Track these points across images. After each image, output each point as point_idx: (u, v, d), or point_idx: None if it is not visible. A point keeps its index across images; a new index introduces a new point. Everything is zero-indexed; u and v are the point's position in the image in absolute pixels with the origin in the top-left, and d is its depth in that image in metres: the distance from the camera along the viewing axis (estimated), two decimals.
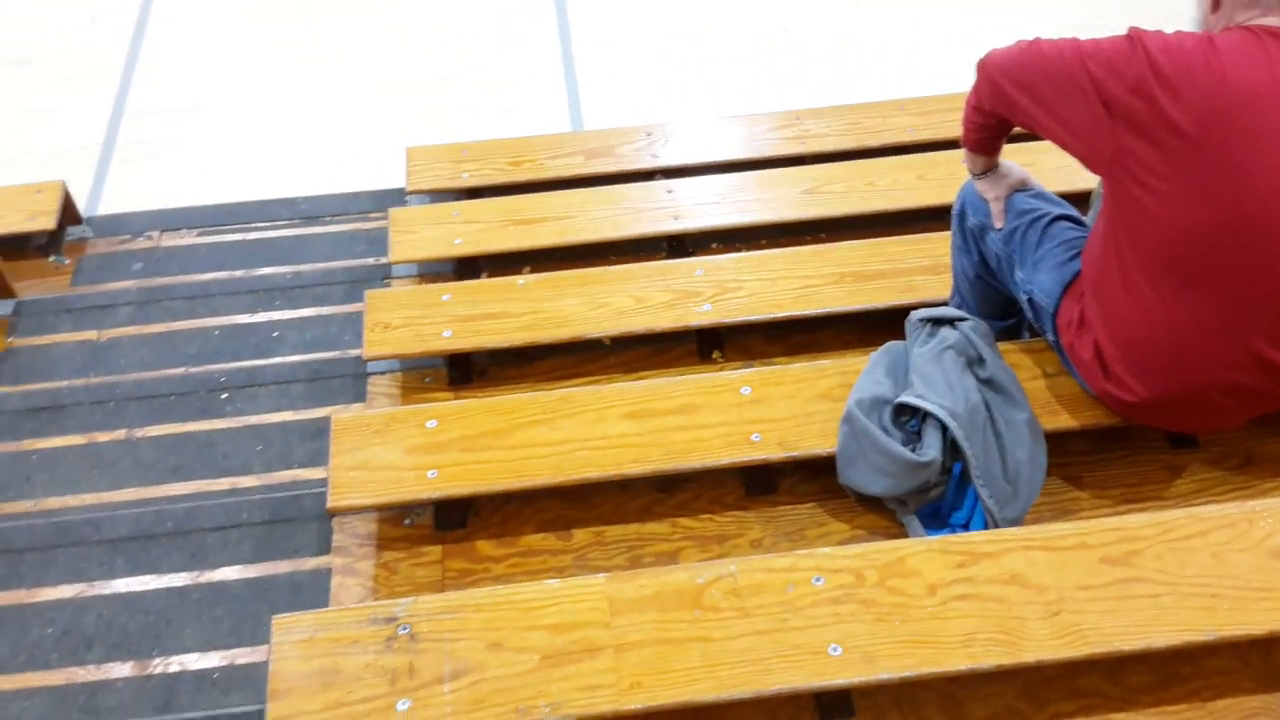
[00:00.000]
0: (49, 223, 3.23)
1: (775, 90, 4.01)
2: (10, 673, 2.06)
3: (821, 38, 4.27)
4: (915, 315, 2.24)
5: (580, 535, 2.21)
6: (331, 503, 2.11)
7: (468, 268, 3.00)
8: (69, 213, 3.33)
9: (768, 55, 4.22)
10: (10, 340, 2.91)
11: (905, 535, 2.10)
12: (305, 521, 2.26)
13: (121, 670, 2.05)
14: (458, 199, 3.26)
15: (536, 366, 2.65)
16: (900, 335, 2.32)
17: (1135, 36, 1.77)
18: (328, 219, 3.41)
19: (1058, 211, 2.18)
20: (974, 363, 2.13)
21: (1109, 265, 1.91)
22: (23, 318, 2.97)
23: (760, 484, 2.24)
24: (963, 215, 2.31)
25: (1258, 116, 1.71)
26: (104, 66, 4.22)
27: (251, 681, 2.02)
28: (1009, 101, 1.96)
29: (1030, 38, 1.94)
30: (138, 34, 4.38)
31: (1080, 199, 2.50)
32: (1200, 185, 1.74)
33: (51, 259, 3.27)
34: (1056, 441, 2.14)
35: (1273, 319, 1.85)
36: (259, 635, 2.08)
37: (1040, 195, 2.23)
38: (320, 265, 3.17)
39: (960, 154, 3.03)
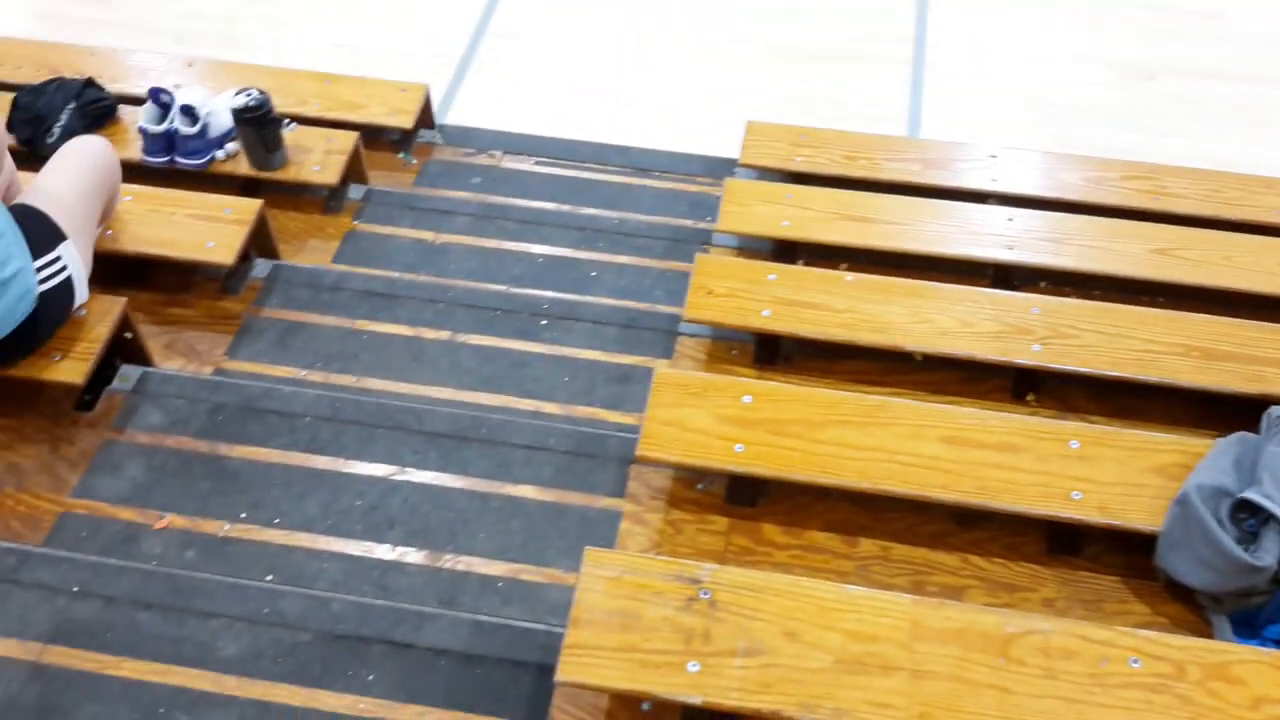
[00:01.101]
0: (407, 121, 3.42)
1: (1126, 139, 3.81)
2: (316, 533, 2.21)
3: (1187, 95, 4.02)
4: (1275, 410, 2.10)
5: (867, 545, 2.19)
6: (641, 451, 2.16)
7: (787, 251, 3.00)
8: (425, 116, 3.52)
9: (1125, 101, 4.02)
10: (356, 224, 3.11)
11: (1211, 634, 1.99)
12: (605, 460, 2.31)
13: (415, 556, 2.17)
14: (785, 180, 3.26)
15: (841, 365, 2.63)
16: (1236, 425, 2.19)
17: None
18: (657, 174, 3.47)
19: None
20: None
21: None
22: (370, 205, 3.17)
23: (1064, 543, 2.16)
24: None
25: None
26: None
27: (530, 599, 2.10)
28: None
29: None
30: None
31: None
32: None
33: (401, 156, 3.47)
34: None
35: None
36: (546, 557, 2.16)
37: None
38: (644, 217, 3.24)
39: None
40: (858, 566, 2.15)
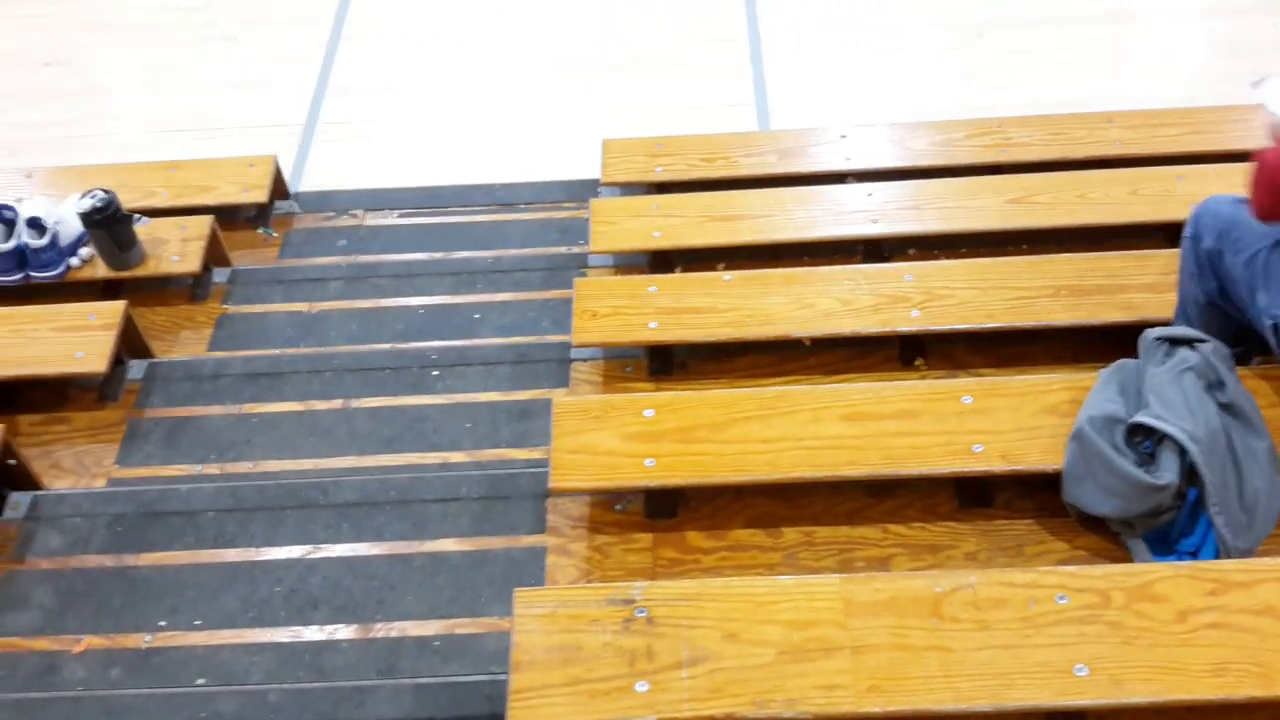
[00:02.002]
0: (261, 196, 3.36)
1: (966, 97, 3.94)
2: (240, 627, 2.15)
3: (1017, 46, 4.18)
4: (1151, 334, 2.19)
5: (789, 534, 2.22)
6: (554, 483, 2.16)
7: (663, 261, 3.03)
8: (279, 187, 3.47)
9: (959, 61, 4.16)
10: (226, 307, 3.04)
11: (1129, 558, 2.06)
12: (520, 500, 2.30)
13: (346, 632, 2.12)
14: (649, 192, 3.30)
15: (736, 362, 2.67)
16: (1114, 354, 2.27)
17: None
18: (522, 207, 3.48)
19: None
20: (1214, 386, 2.07)
21: None
22: (237, 286, 3.10)
23: (975, 496, 2.22)
24: (1196, 239, 2.24)
25: None
26: (309, 44, 4.37)
27: (470, 652, 2.07)
28: None
29: None
30: (340, 14, 4.53)
31: None
32: None
33: (261, 231, 3.40)
34: None
35: None
36: (478, 607, 2.14)
37: None
38: (517, 251, 3.24)
39: (1175, 170, 2.98)
40: (785, 556, 2.18)
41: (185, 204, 3.29)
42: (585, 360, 2.72)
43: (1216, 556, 1.98)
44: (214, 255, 3.13)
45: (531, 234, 3.37)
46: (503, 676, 1.76)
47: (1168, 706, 1.66)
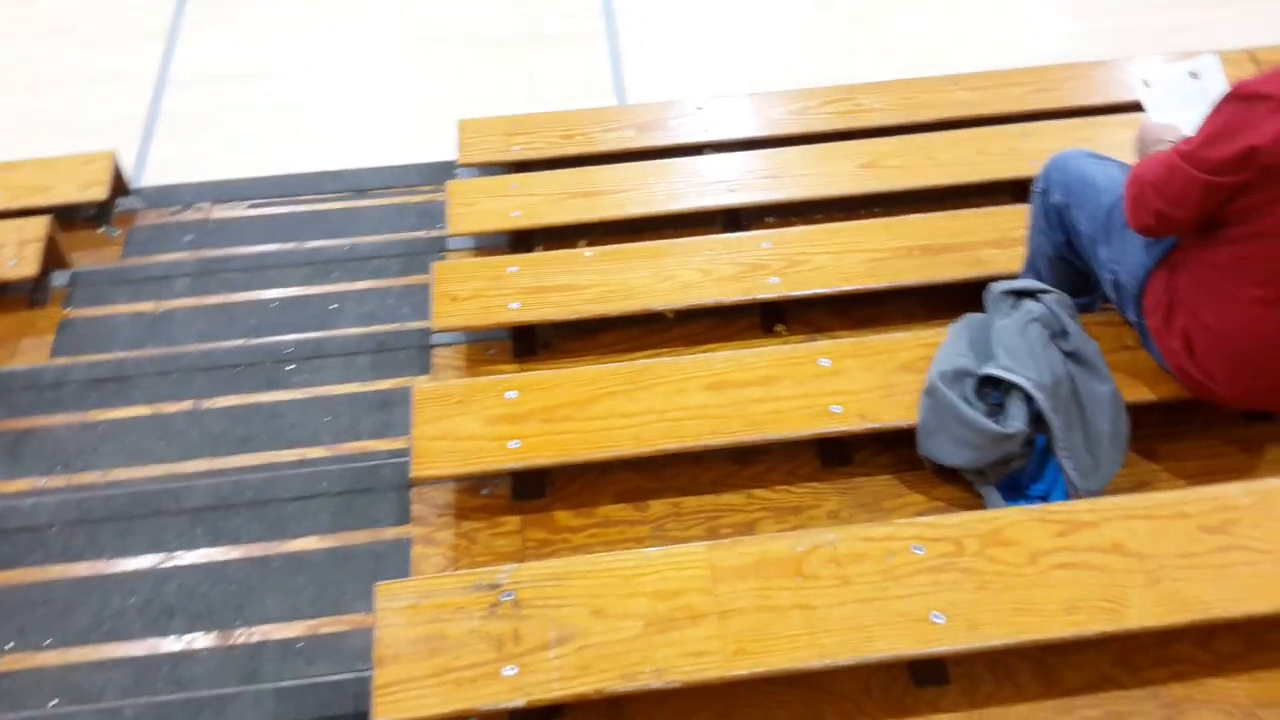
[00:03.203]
0: (100, 193, 3.21)
1: (818, 65, 3.99)
2: (93, 644, 2.06)
3: (865, 13, 4.24)
4: (997, 287, 2.24)
5: (657, 506, 2.22)
6: (415, 472, 2.11)
7: (523, 241, 2.99)
8: (119, 183, 3.32)
9: (809, 30, 4.20)
10: (67, 311, 2.90)
11: (983, 506, 2.11)
12: (383, 491, 2.25)
13: (205, 640, 2.05)
14: (507, 172, 3.25)
15: (600, 339, 2.65)
16: (965, 309, 2.32)
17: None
18: (377, 192, 3.40)
19: None
20: (1058, 335, 2.13)
21: (1219, 276, 1.90)
22: (79, 289, 2.96)
23: (835, 456, 2.25)
24: (1045, 193, 2.30)
25: None
26: (148, 34, 4.19)
27: (335, 651, 2.02)
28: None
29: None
30: (180, 2, 4.35)
31: None
32: None
33: (102, 230, 3.26)
34: (1133, 414, 2.14)
35: None
36: (341, 605, 2.08)
37: (1127, 171, 2.22)
38: (373, 238, 3.16)
39: (1020, 128, 3.06)
40: (652, 529, 2.17)
41: (21, 205, 3.12)
42: (447, 345, 2.67)
43: (1066, 499, 2.04)
44: (53, 258, 2.98)
45: (389, 219, 3.30)
46: (369, 673, 1.71)
47: (1023, 647, 1.70)
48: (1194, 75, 2.19)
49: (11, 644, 2.06)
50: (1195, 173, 1.84)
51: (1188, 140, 1.89)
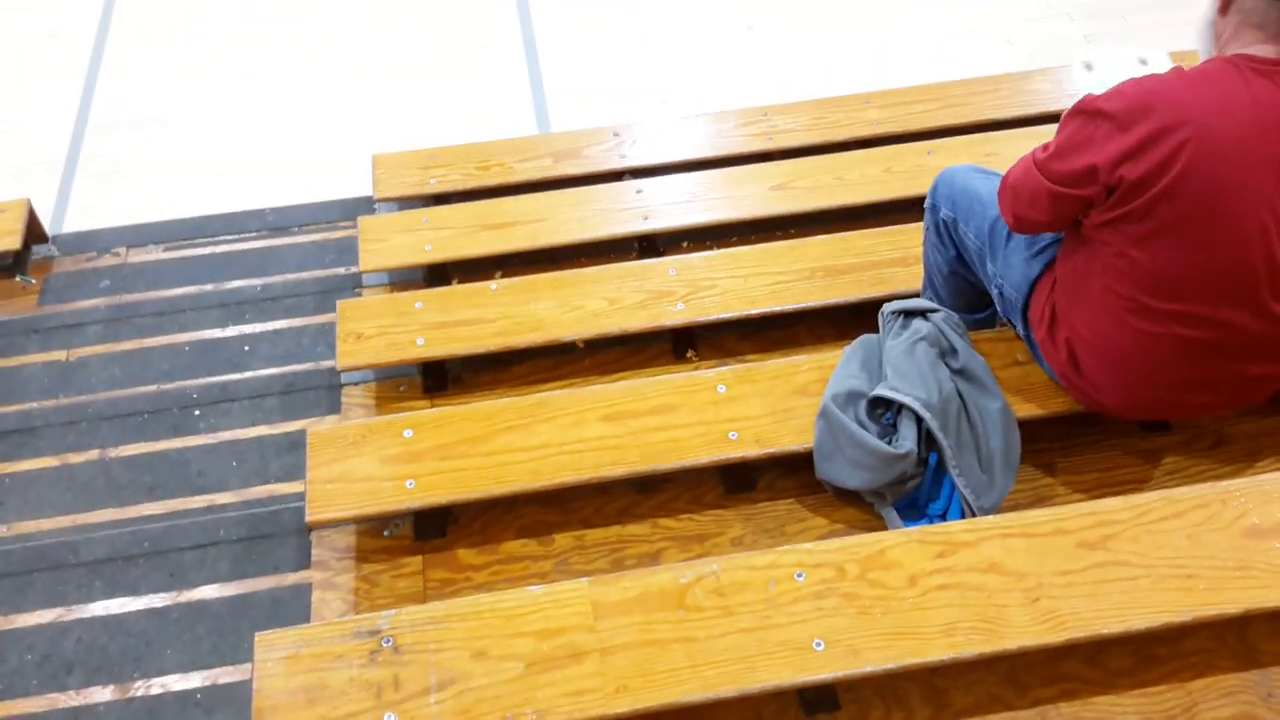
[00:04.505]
0: (14, 243, 3.19)
1: (742, 88, 4.01)
2: None
3: (786, 35, 4.27)
4: (887, 308, 2.25)
5: (561, 540, 2.21)
6: (310, 516, 2.10)
7: (439, 274, 2.99)
8: (34, 231, 3.30)
9: (733, 53, 4.23)
10: None
11: (885, 528, 2.11)
12: (284, 537, 2.24)
13: (103, 694, 2.03)
14: (426, 205, 3.25)
15: (512, 371, 2.65)
16: (873, 328, 2.33)
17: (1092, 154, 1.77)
18: (296, 229, 3.39)
19: None
20: (946, 353, 2.15)
21: (1088, 285, 1.91)
22: None
23: (739, 482, 2.25)
24: (935, 209, 2.32)
25: (1241, 159, 1.70)
26: (64, 80, 4.18)
27: (235, 701, 2.01)
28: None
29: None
30: (98, 46, 4.34)
31: None
32: (1187, 236, 1.75)
33: (17, 279, 3.23)
34: (1028, 428, 2.15)
35: (1256, 344, 1.87)
36: (241, 654, 2.07)
37: None
38: (290, 276, 3.16)
39: (926, 145, 3.09)
40: (556, 564, 2.17)
41: None
42: (357, 384, 2.66)
43: (963, 516, 2.05)
44: None
45: (307, 257, 3.29)
46: None
47: (905, 671, 1.70)
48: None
49: None
50: (1044, 181, 1.86)
51: (1044, 146, 1.90)
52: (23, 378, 2.83)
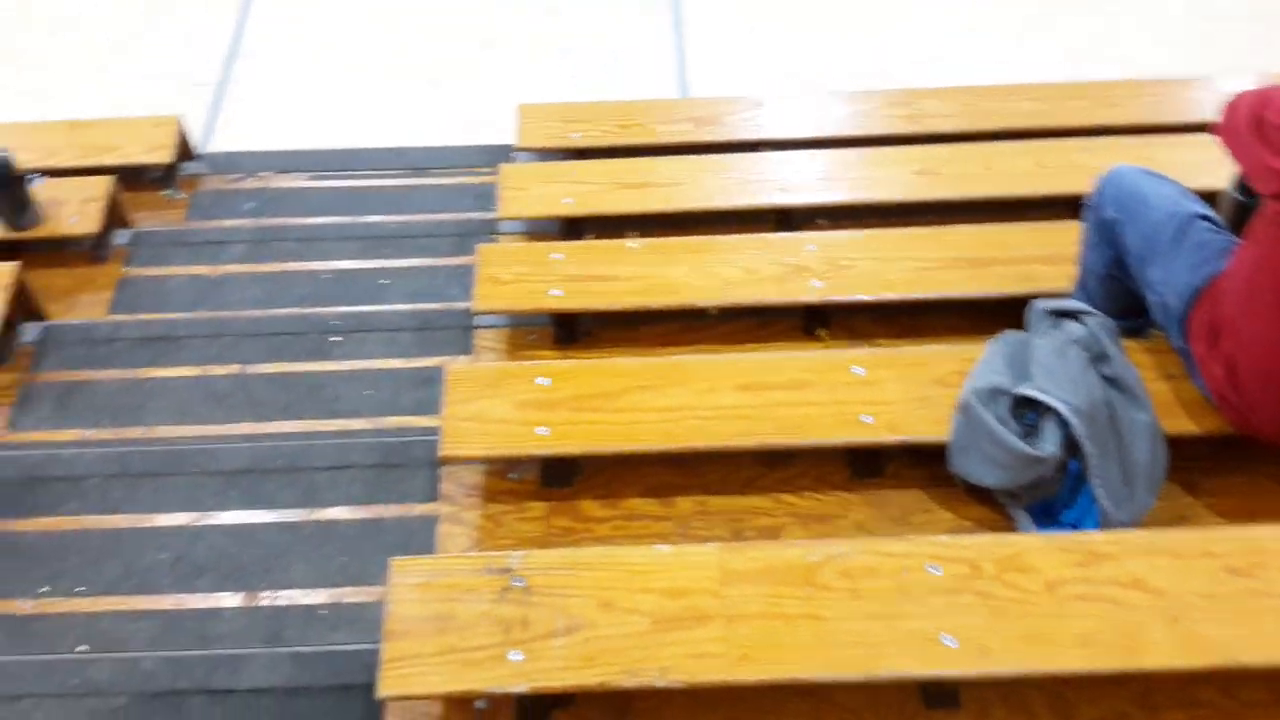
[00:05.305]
0: (165, 156, 3.29)
1: (886, 70, 3.95)
2: (123, 594, 2.12)
3: (937, 20, 4.19)
4: (1039, 306, 2.21)
5: (683, 503, 2.22)
6: (444, 451, 2.14)
7: (573, 228, 3.01)
8: (184, 148, 3.39)
9: (879, 34, 4.16)
10: (127, 270, 2.98)
11: (1013, 529, 2.08)
12: (414, 467, 2.28)
13: (231, 600, 2.10)
14: (565, 159, 3.27)
15: (640, 331, 2.66)
16: (1013, 325, 2.29)
17: None
18: (436, 171, 3.43)
19: (1197, 210, 2.12)
20: (1098, 359, 2.10)
21: (1263, 294, 1.85)
22: (139, 248, 3.04)
23: (866, 466, 2.23)
24: (1099, 208, 2.26)
25: None
26: (222, 4, 4.27)
27: (358, 620, 2.06)
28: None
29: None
30: None
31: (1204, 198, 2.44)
32: None
33: (166, 193, 3.33)
34: (1174, 445, 2.09)
35: None
36: (366, 575, 2.12)
37: (1183, 192, 2.17)
38: (428, 216, 3.20)
39: (1080, 143, 3.00)
40: (677, 525, 2.18)
41: (87, 164, 3.20)
42: (489, 328, 2.70)
43: (1098, 528, 2.01)
44: (115, 217, 3.06)
45: (445, 199, 3.33)
46: None
47: (1033, 678, 1.68)
48: None
49: (46, 588, 2.13)
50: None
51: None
52: (168, 288, 2.92)
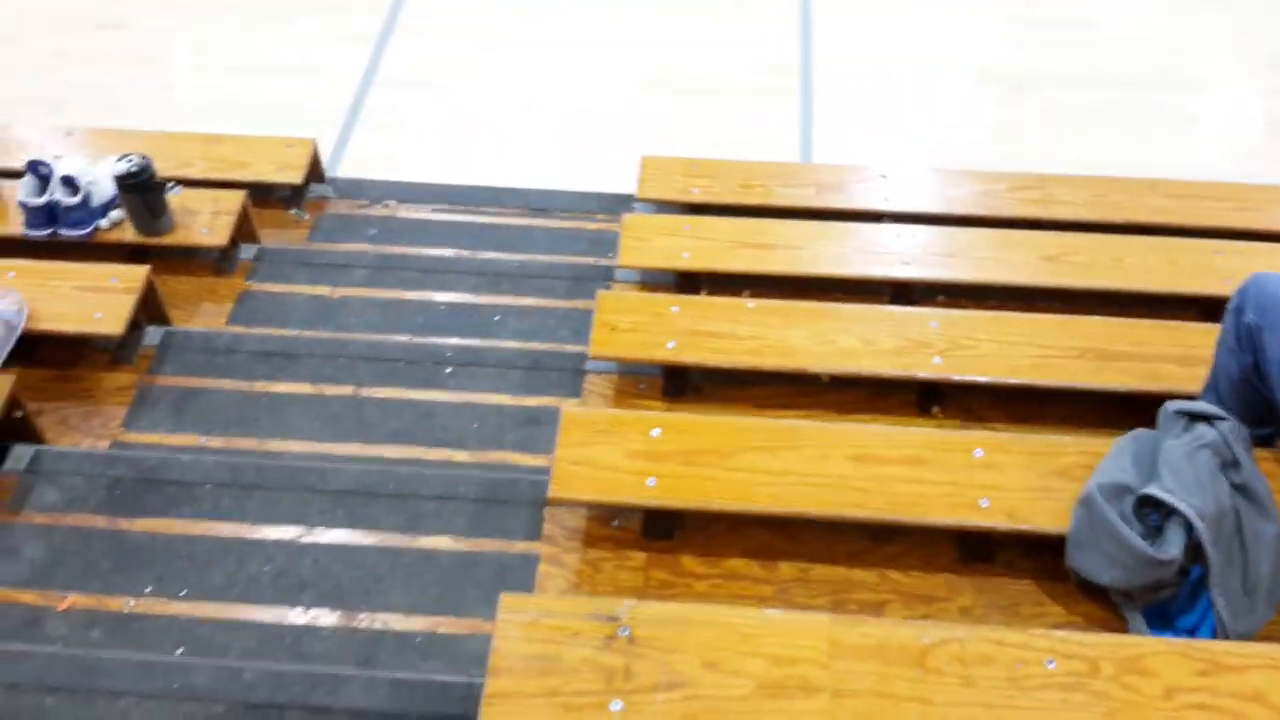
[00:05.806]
0: (296, 177, 3.38)
1: (1009, 151, 3.92)
2: (225, 602, 2.14)
3: (1063, 104, 4.16)
4: (1171, 406, 2.15)
5: (785, 568, 2.19)
6: (553, 492, 2.14)
7: (690, 282, 3.02)
8: (314, 170, 3.48)
9: (1004, 114, 4.14)
10: (249, 284, 3.05)
11: (1125, 629, 2.02)
12: (517, 505, 2.29)
13: (329, 619, 2.11)
14: (682, 213, 3.29)
15: (751, 391, 2.64)
16: (1134, 423, 2.24)
17: None
18: (555, 214, 3.47)
19: None
20: (1229, 465, 2.04)
21: None
22: (263, 264, 3.11)
23: (976, 551, 2.19)
24: (1240, 311, 2.20)
25: None
26: (359, 35, 4.41)
27: (450, 651, 2.06)
28: None
29: None
30: (395, 6, 4.56)
31: None
32: None
33: (292, 212, 3.42)
34: None
35: None
36: (463, 607, 2.12)
37: None
38: (544, 257, 3.24)
39: (1215, 244, 2.94)
40: (777, 590, 2.15)
41: (220, 177, 3.30)
42: (600, 374, 2.71)
43: (1213, 637, 1.94)
44: (243, 231, 3.14)
45: (561, 242, 3.37)
46: (480, 680, 1.73)
47: None
48: None
49: (150, 589, 2.16)
50: None
51: None
52: (288, 305, 2.98)
